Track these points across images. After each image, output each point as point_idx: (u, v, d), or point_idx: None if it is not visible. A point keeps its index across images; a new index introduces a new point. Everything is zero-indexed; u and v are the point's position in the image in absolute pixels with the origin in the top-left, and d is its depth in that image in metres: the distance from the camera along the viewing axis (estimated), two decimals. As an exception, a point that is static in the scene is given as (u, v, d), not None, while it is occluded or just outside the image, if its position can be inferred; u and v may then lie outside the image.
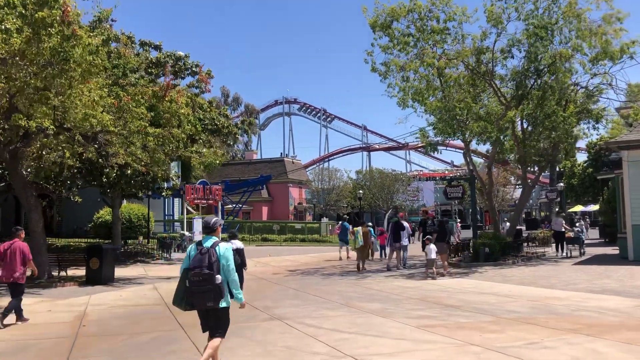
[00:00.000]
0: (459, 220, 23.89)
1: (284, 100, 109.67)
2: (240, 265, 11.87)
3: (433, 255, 16.45)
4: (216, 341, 6.21)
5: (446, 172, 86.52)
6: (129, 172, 23.35)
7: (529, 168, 37.79)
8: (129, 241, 31.28)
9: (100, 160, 19.03)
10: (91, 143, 17.54)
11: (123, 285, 16.69)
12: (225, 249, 6.28)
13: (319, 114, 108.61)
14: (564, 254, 22.12)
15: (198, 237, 33.02)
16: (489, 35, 19.64)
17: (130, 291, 15.28)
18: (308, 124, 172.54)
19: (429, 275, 16.24)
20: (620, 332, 8.24)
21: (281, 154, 73.89)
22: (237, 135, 25.70)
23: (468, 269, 18.42)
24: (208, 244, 6.21)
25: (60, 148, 17.10)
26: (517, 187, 69.28)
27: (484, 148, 28.76)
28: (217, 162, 19.36)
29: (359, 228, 20.12)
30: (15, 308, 10.26)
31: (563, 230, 23.20)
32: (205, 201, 34.93)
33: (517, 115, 18.63)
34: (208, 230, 6.38)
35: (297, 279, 17.54)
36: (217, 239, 6.34)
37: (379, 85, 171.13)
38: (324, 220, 52.82)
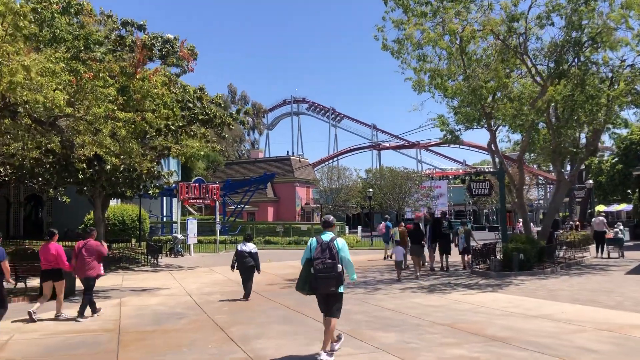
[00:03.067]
0: (470, 222, 20.55)
1: (292, 99, 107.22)
2: (253, 268, 12.80)
3: (399, 257, 16.50)
4: (334, 320, 7.22)
5: (460, 170, 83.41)
6: (108, 167, 20.64)
7: (542, 166, 34.81)
8: (115, 245, 28.44)
9: (64, 151, 16.24)
10: (51, 130, 14.75)
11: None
12: (343, 243, 7.29)
13: (327, 113, 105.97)
14: (603, 255, 21.74)
15: (193, 239, 30.32)
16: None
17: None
18: (317, 124, 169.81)
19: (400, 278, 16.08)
20: None
21: (287, 152, 70.92)
22: (231, 126, 22.56)
23: (500, 280, 15.37)
24: (327, 238, 7.21)
25: (22, 138, 14.35)
26: (531, 187, 65.89)
27: (511, 140, 25.59)
28: (202, 153, 16.42)
29: (396, 229, 19.66)
30: (89, 302, 10.99)
31: (604, 230, 22.46)
32: (201, 201, 32.12)
33: (560, 92, 15.51)
34: (326, 226, 7.45)
35: (293, 292, 14.52)
36: (333, 234, 7.29)
37: (389, 83, 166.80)
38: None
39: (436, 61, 18.66)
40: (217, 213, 33.44)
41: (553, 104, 16.30)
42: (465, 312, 10.42)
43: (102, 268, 11.26)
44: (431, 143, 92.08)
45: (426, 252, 18.91)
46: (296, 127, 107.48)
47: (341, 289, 7.24)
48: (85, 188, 22.26)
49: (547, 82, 16.75)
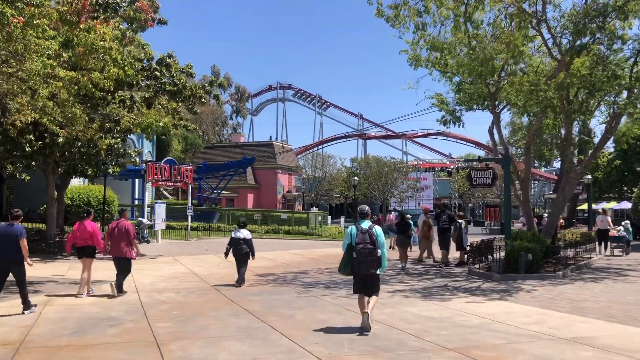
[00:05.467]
0: (459, 216, 18.38)
1: (278, 85, 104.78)
2: (248, 254, 12.87)
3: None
4: (374, 298, 8.14)
5: (447, 163, 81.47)
6: (60, 140, 18.02)
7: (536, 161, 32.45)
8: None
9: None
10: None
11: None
12: (380, 229, 8.17)
13: (314, 101, 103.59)
14: (606, 252, 21.68)
15: (161, 225, 27.72)
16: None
17: None
18: (303, 112, 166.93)
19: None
20: None
21: (270, 137, 68.27)
22: (203, 99, 20.02)
23: (506, 284, 13.13)
24: (365, 225, 8.05)
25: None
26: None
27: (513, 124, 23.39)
28: (161, 124, 13.89)
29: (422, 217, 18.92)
30: (121, 279, 11.37)
31: (608, 228, 22.07)
32: (172, 183, 29.50)
33: (585, 65, 13.27)
34: (363, 215, 8.32)
35: (264, 291, 12.23)
36: (370, 222, 8.13)
37: (377, 71, 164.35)
38: (314, 209, 47.42)
39: (436, 33, 16.37)
40: (190, 197, 30.84)
41: (567, 82, 13.98)
42: (476, 330, 8.13)
43: (134, 251, 11.62)
44: (418, 134, 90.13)
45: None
46: (281, 114, 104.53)
47: (379, 271, 8.09)
48: (33, 163, 19.62)
49: (566, 57, 14.48)
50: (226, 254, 13.12)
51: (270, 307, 10.17)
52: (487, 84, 15.50)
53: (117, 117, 15.75)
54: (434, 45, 16.26)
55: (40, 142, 18.46)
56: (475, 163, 16.57)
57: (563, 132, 17.87)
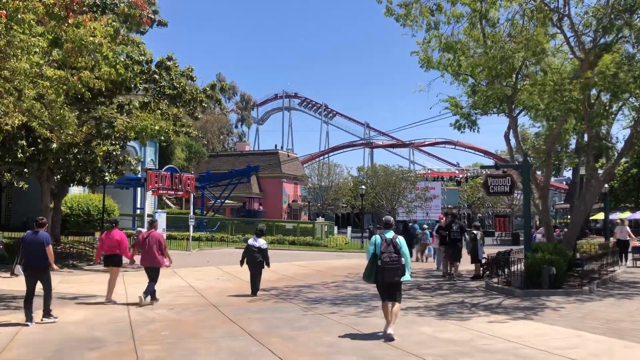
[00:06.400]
0: (474, 226, 17.38)
1: (284, 94, 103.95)
2: (262, 263, 12.71)
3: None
4: (398, 305, 8.47)
5: (457, 172, 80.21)
6: (54, 145, 17.20)
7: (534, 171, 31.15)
8: (68, 238, 24.94)
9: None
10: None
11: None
12: (403, 240, 8.55)
13: (320, 110, 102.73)
14: (627, 264, 20.78)
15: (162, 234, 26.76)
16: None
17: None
18: (309, 121, 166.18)
19: None
20: None
21: (276, 146, 67.40)
22: (204, 104, 19.19)
23: (529, 300, 12.08)
24: (389, 235, 8.40)
25: None
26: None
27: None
28: (157, 128, 12.99)
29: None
30: (151, 290, 11.45)
31: (628, 239, 21.56)
32: (173, 192, 28.62)
33: (615, 61, 12.30)
34: (388, 225, 8.68)
35: (266, 308, 11.25)
36: (394, 232, 8.53)
37: (383, 80, 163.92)
38: (320, 219, 46.39)
39: (449, 32, 15.47)
40: (192, 207, 29.96)
41: (595, 81, 12.98)
42: (504, 357, 7.12)
43: (166, 260, 11.84)
44: (426, 142, 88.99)
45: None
46: (287, 123, 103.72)
47: (403, 278, 8.39)
48: (25, 170, 18.77)
49: (590, 55, 13.51)
50: (242, 262, 12.92)
51: (271, 327, 9.19)
52: (504, 85, 14.53)
53: (110, 120, 14.86)
54: (447, 45, 15.35)
55: (33, 148, 17.64)
56: (492, 170, 15.52)
57: (574, 138, 16.92)
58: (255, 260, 12.67)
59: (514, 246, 31.24)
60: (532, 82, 13.43)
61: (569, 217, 54.25)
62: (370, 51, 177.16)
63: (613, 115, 15.76)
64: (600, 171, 16.08)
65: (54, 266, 9.70)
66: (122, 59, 12.11)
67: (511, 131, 16.54)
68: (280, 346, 7.80)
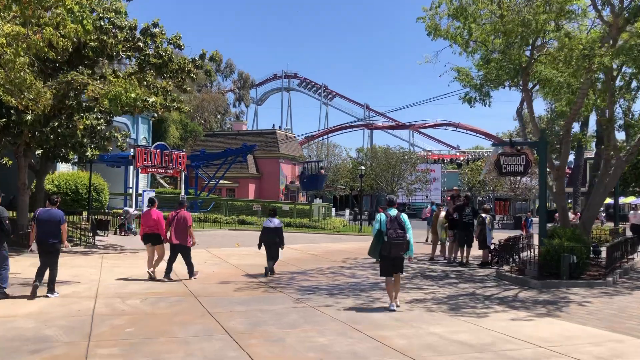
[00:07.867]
0: (484, 209, 16.03)
1: (283, 74, 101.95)
2: (279, 243, 12.80)
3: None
4: (399, 275, 9.10)
5: (457, 154, 78.80)
6: (28, 117, 15.77)
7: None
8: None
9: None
10: None
11: None
12: (406, 216, 8.99)
13: (319, 91, 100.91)
14: None
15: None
16: None
17: None
18: (308, 102, 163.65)
19: None
20: None
21: (273, 125, 65.79)
22: (192, 75, 17.74)
23: (548, 293, 10.78)
24: (393, 213, 8.82)
25: None
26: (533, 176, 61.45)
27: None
28: (133, 95, 11.56)
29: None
30: (189, 267, 12.01)
31: None
32: (163, 170, 27.24)
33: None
34: (391, 203, 9.10)
35: (253, 298, 9.93)
36: (397, 210, 8.90)
37: (383, 63, 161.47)
38: (317, 201, 45.05)
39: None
40: (183, 186, 28.61)
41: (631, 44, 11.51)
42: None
43: (190, 239, 11.90)
44: (426, 124, 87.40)
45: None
46: (286, 103, 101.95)
47: (407, 253, 8.99)
48: (-1, 144, 17.33)
49: (619, 20, 12.03)
50: (259, 245, 12.89)
51: (255, 324, 7.87)
52: (521, 53, 13.06)
53: (78, 86, 13.38)
54: (458, 10, 13.84)
55: (4, 120, 16.22)
56: (505, 148, 14.10)
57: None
58: (271, 241, 12.69)
59: (517, 230, 30.03)
60: (559, 46, 11.93)
61: (570, 201, 52.99)
62: (371, 29, 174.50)
63: (637, 89, 14.31)
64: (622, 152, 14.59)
65: (66, 243, 10.01)
66: (94, 16, 10.58)
67: (526, 106, 15.10)
68: (263, 350, 6.48)
